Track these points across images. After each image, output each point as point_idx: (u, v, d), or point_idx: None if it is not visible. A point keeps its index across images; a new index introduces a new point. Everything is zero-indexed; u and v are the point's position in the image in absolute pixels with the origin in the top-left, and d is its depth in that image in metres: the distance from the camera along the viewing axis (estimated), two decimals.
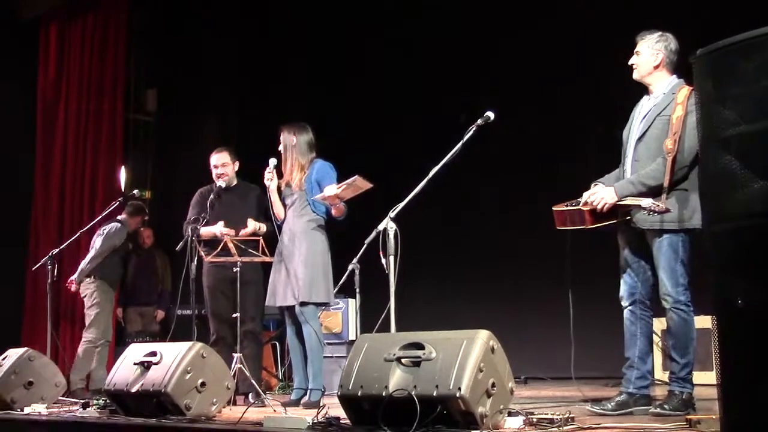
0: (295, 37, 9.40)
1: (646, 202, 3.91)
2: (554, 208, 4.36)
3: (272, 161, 5.50)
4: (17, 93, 9.26)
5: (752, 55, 2.47)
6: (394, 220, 4.22)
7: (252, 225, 5.79)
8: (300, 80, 9.51)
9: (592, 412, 4.14)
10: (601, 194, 4.14)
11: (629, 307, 4.28)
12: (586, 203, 4.18)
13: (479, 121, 4.40)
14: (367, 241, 4.38)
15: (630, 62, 4.28)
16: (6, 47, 9.15)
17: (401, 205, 4.29)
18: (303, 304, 5.32)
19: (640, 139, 4.20)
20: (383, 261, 4.21)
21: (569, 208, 4.28)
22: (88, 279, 7.31)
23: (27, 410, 5.16)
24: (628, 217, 4.14)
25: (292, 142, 5.55)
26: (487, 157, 6.91)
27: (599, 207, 4.12)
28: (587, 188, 4.29)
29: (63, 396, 5.73)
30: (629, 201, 4.07)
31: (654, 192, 4.01)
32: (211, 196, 5.84)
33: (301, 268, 5.35)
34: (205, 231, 5.77)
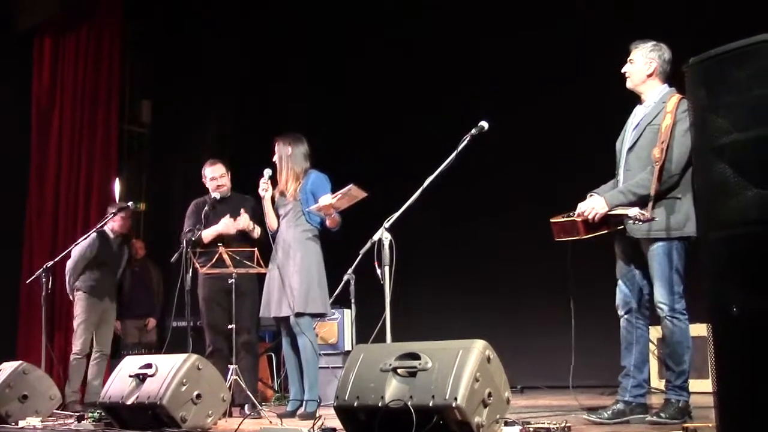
0: (293, 44, 9.41)
1: (633, 211, 3.95)
2: (551, 220, 4.37)
3: (267, 172, 5.50)
4: (12, 102, 9.23)
5: (745, 64, 2.47)
6: (389, 230, 4.22)
7: (245, 218, 5.79)
8: (296, 88, 9.51)
9: (588, 421, 4.14)
10: (592, 204, 4.16)
11: (625, 316, 4.29)
12: (579, 214, 4.20)
13: (473, 131, 4.40)
14: (362, 252, 4.38)
15: (623, 71, 4.30)
16: (1, 55, 9.14)
17: (396, 215, 4.28)
18: (298, 315, 5.31)
19: (631, 148, 4.23)
20: (378, 271, 4.20)
21: (565, 219, 4.29)
22: (75, 292, 7.30)
23: (22, 424, 5.14)
24: (620, 227, 4.15)
25: (288, 152, 5.55)
26: (484, 164, 6.91)
27: (590, 217, 4.14)
28: (585, 198, 4.31)
29: (58, 409, 5.70)
30: (618, 211, 4.09)
31: (644, 201, 4.02)
32: (206, 208, 5.86)
33: (295, 279, 5.34)
34: (208, 232, 5.78)
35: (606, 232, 4.20)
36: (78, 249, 7.28)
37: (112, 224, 7.42)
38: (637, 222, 3.95)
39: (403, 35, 8.67)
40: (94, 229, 7.29)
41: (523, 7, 7.84)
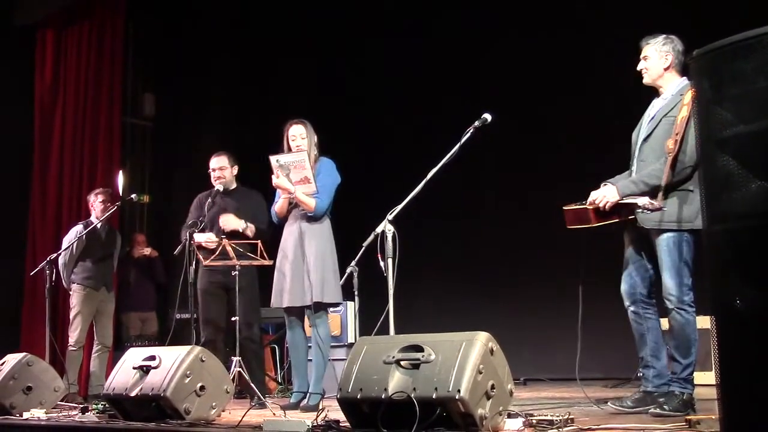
0: (295, 38, 9.40)
1: (642, 200, 3.97)
2: (564, 208, 4.39)
3: (303, 155, 5.32)
4: (14, 98, 9.22)
5: (750, 56, 2.46)
6: (392, 222, 4.22)
7: (230, 219, 5.73)
8: (299, 81, 9.51)
9: (613, 410, 4.19)
10: (603, 193, 4.18)
11: (631, 307, 4.30)
12: (591, 202, 4.22)
13: (476, 123, 4.41)
14: (365, 244, 4.38)
15: (639, 68, 4.30)
16: (2, 52, 9.12)
17: (399, 207, 4.29)
18: (317, 304, 5.28)
19: (646, 139, 4.24)
20: (381, 263, 4.20)
21: (578, 207, 4.31)
22: (71, 284, 7.30)
23: (26, 415, 5.16)
24: (631, 216, 4.15)
25: (309, 137, 5.47)
26: (487, 157, 6.91)
27: (602, 205, 4.16)
28: (591, 188, 4.31)
29: (62, 401, 5.72)
30: (629, 200, 4.10)
31: (655, 191, 4.02)
32: (209, 200, 5.84)
33: (313, 269, 5.27)
34: (198, 237, 5.72)
35: (617, 221, 4.21)
36: (64, 244, 7.28)
37: (94, 212, 7.38)
38: (645, 211, 3.96)
39: (403, 34, 8.67)
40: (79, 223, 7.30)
41: (524, 8, 7.83)
